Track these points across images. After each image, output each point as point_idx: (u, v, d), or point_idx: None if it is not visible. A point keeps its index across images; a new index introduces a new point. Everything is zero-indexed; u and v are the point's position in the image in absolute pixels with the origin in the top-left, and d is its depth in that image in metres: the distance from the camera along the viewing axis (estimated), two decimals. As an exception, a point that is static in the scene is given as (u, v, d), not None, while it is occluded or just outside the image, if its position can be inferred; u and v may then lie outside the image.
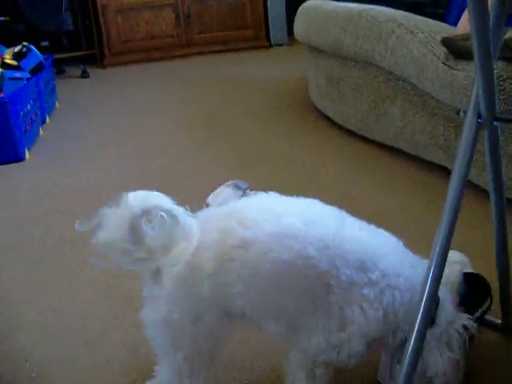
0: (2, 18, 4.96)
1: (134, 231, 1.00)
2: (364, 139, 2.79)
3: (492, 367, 1.28)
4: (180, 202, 1.05)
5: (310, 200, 1.10)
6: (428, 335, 1.03)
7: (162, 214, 1.01)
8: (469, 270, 1.32)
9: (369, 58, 2.52)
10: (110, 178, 2.63)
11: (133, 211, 0.99)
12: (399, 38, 2.30)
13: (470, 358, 1.16)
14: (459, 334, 1.07)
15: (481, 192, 1.93)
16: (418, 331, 0.97)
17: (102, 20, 5.46)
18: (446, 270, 1.00)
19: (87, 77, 5.14)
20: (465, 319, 1.09)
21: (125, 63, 5.54)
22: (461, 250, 1.38)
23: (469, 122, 1.01)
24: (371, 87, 2.63)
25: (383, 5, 2.62)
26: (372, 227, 1.10)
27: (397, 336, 1.06)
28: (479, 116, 1.00)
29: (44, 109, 3.63)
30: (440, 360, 1.06)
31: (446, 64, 2.01)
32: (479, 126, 1.00)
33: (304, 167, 2.57)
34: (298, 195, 1.11)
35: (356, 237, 1.05)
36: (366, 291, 1.01)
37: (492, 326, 1.36)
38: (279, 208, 1.06)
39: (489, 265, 1.31)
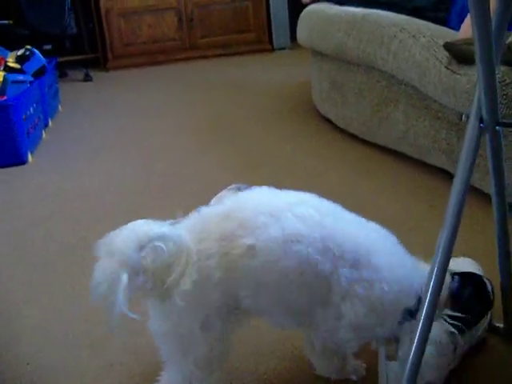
0: (6, 22, 4.96)
1: (134, 274, 0.99)
2: (367, 143, 2.79)
3: (493, 371, 1.28)
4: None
5: (305, 195, 1.12)
6: (409, 327, 1.06)
7: (154, 244, 0.99)
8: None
9: (371, 62, 2.52)
10: (114, 182, 2.63)
11: (126, 259, 0.97)
12: (402, 43, 2.30)
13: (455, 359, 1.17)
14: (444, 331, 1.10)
15: (483, 196, 1.93)
16: (420, 332, 0.98)
17: (105, 23, 5.48)
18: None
19: (90, 80, 5.15)
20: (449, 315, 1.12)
21: (127, 66, 5.56)
22: (463, 255, 1.38)
23: (471, 126, 1.01)
24: (374, 91, 2.63)
25: (384, 9, 2.62)
26: (363, 220, 1.13)
27: (385, 328, 1.09)
28: (481, 120, 1.00)
29: (47, 112, 3.63)
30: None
31: (448, 68, 2.02)
32: (481, 131, 1.01)
33: (306, 171, 2.57)
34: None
35: (353, 234, 1.07)
36: (358, 287, 1.04)
37: (494, 330, 1.36)
38: (277, 208, 1.06)
39: (491, 269, 1.31)
